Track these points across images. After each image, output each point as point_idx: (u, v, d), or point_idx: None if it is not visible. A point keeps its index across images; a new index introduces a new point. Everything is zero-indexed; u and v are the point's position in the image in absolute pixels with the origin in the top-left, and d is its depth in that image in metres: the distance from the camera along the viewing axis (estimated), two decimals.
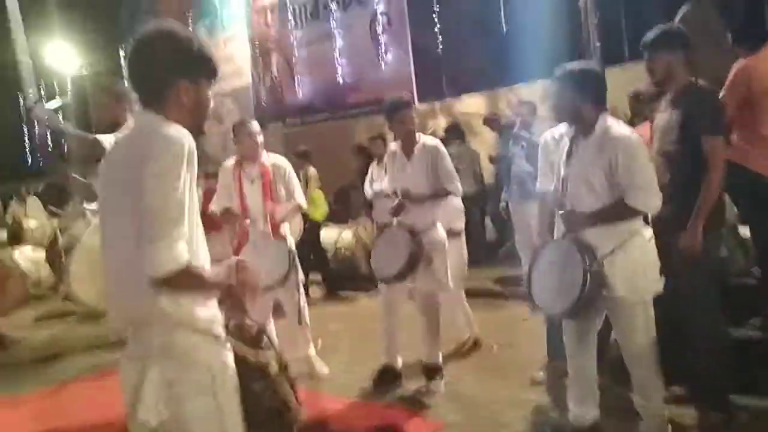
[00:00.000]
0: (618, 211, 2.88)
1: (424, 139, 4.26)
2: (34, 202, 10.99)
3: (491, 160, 7.84)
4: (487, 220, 8.66)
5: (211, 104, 2.03)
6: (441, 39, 9.76)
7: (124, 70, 13.02)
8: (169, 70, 1.91)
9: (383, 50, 7.81)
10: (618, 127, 2.92)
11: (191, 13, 11.12)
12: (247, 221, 4.39)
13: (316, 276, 7.63)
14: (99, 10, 14.15)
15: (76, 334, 6.39)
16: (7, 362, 5.81)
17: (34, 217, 10.34)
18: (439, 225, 4.26)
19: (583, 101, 2.92)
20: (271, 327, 4.43)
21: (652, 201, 2.86)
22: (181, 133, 1.84)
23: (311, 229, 7.19)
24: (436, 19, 9.55)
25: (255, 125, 4.51)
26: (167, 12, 11.67)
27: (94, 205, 6.49)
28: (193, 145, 1.85)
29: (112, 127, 3.77)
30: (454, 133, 7.99)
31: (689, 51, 3.19)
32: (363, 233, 7.86)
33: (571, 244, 2.90)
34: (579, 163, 2.95)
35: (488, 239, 8.59)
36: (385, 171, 4.53)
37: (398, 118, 4.16)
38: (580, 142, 2.97)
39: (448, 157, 4.21)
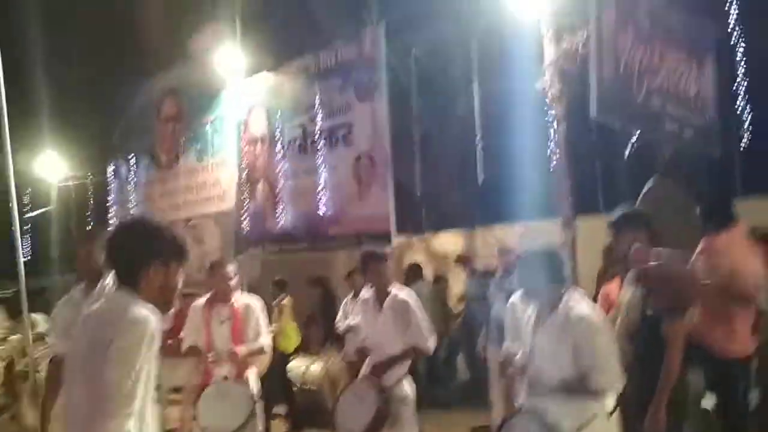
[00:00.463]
0: (581, 392, 2.91)
1: (396, 290, 4.33)
2: None
3: (461, 298, 7.89)
4: (460, 360, 8.59)
5: (179, 286, 2.24)
6: (421, 178, 10.22)
7: (109, 186, 13.48)
8: (142, 255, 2.14)
9: (364, 187, 8.06)
10: (580, 306, 3.00)
11: (184, 137, 11.49)
12: (212, 361, 4.34)
13: (280, 409, 7.39)
14: (92, 125, 14.61)
15: None
16: None
17: None
18: (406, 380, 4.23)
19: (550, 282, 3.02)
20: None
21: (613, 382, 2.91)
22: (145, 315, 2.01)
23: (280, 360, 7.06)
24: (417, 161, 10.06)
25: (231, 268, 4.57)
26: (162, 135, 12.07)
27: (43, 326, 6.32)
28: (157, 325, 2.03)
29: (90, 274, 3.67)
30: (414, 273, 8.10)
31: (652, 229, 3.35)
32: (332, 367, 7.71)
33: (537, 424, 2.89)
34: (544, 338, 3.01)
35: (460, 380, 8.46)
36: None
37: (372, 269, 4.26)
38: (546, 316, 3.04)
39: (420, 312, 4.26)
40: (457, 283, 8.67)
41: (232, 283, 4.50)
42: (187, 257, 2.24)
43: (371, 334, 4.26)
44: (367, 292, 4.43)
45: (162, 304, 2.14)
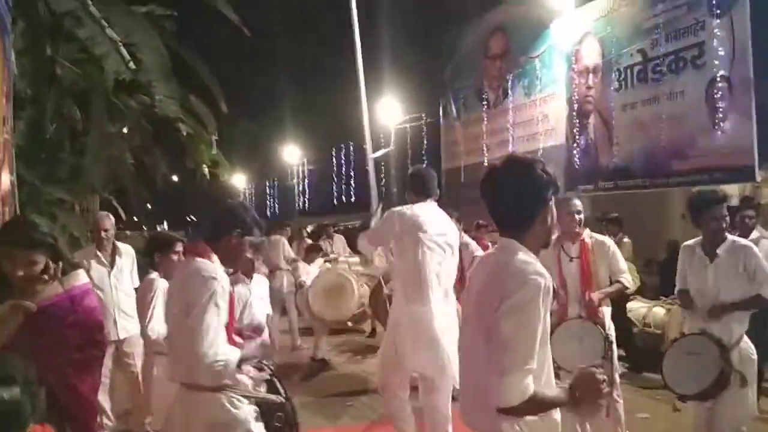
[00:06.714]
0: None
1: (732, 237, 3.89)
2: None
3: None
4: None
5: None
6: None
7: (441, 122, 14.39)
8: (535, 200, 2.05)
9: (720, 116, 7.13)
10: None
11: (512, 73, 11.55)
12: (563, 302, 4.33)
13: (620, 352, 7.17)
14: (424, 68, 15.61)
15: None
16: None
17: None
18: (746, 338, 3.80)
19: None
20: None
21: None
22: (537, 269, 1.92)
23: (618, 301, 6.81)
24: None
25: (577, 203, 4.45)
26: (489, 72, 12.32)
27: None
28: (549, 280, 1.93)
29: None
30: (748, 205, 6.81)
31: None
32: (677, 313, 7.18)
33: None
34: None
35: None
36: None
37: (710, 214, 3.80)
38: None
39: (762, 258, 3.76)
40: None
41: (578, 218, 4.39)
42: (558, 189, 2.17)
43: (703, 284, 3.89)
44: (693, 243, 4.02)
45: (545, 244, 2.11)
